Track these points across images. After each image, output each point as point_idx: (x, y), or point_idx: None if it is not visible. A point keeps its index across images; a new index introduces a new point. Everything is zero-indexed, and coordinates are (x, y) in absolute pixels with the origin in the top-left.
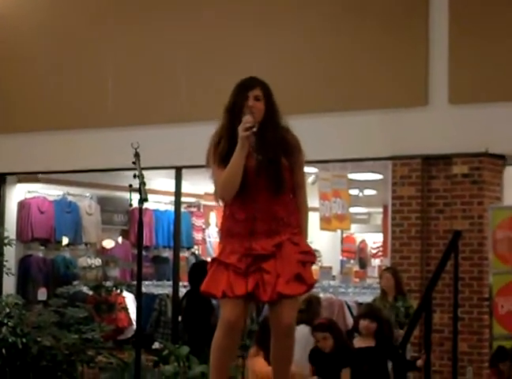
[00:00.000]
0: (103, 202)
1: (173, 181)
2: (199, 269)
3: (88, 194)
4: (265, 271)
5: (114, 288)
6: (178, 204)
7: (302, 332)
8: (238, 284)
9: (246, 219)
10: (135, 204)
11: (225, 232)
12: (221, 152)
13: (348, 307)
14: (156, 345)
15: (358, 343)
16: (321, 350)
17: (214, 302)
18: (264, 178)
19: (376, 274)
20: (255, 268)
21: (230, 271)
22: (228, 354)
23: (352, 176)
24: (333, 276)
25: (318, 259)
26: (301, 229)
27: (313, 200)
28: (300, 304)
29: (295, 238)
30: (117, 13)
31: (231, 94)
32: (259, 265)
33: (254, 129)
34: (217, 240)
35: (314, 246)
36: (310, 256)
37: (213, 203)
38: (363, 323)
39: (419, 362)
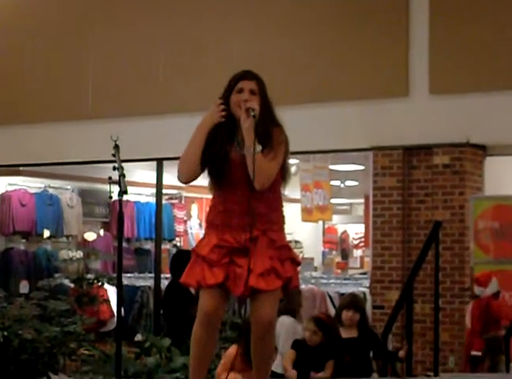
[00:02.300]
0: (84, 194)
1: (154, 173)
2: (181, 258)
3: (69, 187)
4: (237, 265)
5: (95, 281)
6: (159, 196)
7: (284, 322)
8: (210, 274)
9: (224, 210)
10: (115, 196)
11: (208, 223)
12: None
13: (330, 298)
14: (139, 337)
15: (341, 333)
16: (307, 343)
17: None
18: (246, 172)
19: (358, 264)
20: (228, 261)
21: (204, 262)
22: (207, 345)
23: (333, 167)
24: (315, 267)
25: (300, 250)
26: (282, 227)
27: (294, 192)
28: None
29: (272, 234)
30: (99, 6)
31: (226, 86)
32: (231, 258)
33: (253, 113)
34: (199, 232)
35: (295, 237)
36: (288, 252)
37: (195, 195)
38: (347, 314)
39: (401, 353)
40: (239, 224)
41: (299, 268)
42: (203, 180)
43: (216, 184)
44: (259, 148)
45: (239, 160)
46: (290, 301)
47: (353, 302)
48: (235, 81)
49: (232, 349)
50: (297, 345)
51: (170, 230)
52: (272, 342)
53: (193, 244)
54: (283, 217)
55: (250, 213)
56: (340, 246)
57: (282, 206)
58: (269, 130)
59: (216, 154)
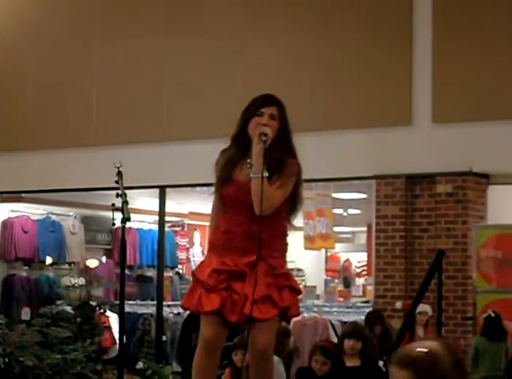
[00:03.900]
0: (86, 221)
1: (157, 201)
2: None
3: (71, 213)
4: (234, 291)
5: (97, 308)
6: (162, 223)
7: None
8: (207, 301)
9: (227, 231)
10: (118, 223)
11: (210, 245)
12: (218, 171)
13: (333, 326)
14: (140, 365)
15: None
16: (313, 371)
17: None
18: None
19: (360, 293)
20: (225, 287)
21: (202, 287)
22: (208, 372)
23: (336, 195)
24: (317, 295)
25: (302, 278)
26: (283, 254)
27: (297, 220)
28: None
29: (272, 260)
30: (101, 32)
31: (245, 108)
32: (229, 284)
33: (264, 139)
34: (201, 259)
35: (298, 265)
36: (287, 280)
37: (198, 222)
38: (349, 343)
39: None
40: (240, 247)
41: (300, 297)
42: (206, 207)
43: (221, 204)
44: (266, 173)
45: (246, 183)
46: (277, 341)
47: (355, 330)
48: (257, 106)
49: (228, 371)
50: (302, 373)
51: (172, 258)
52: (269, 369)
53: None
54: (285, 245)
55: (251, 237)
56: (343, 275)
57: (286, 235)
58: (282, 158)
59: (221, 176)
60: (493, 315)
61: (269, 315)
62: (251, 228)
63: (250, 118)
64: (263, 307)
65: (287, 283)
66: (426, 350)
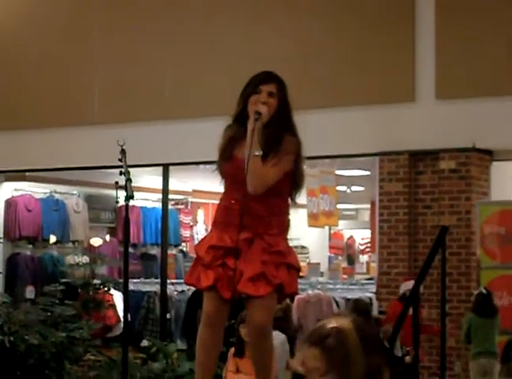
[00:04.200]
0: (90, 200)
1: (160, 179)
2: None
3: (75, 192)
4: (229, 267)
5: (101, 286)
6: (165, 201)
7: (276, 339)
8: (204, 277)
9: (226, 207)
10: (121, 201)
11: (213, 221)
12: (220, 148)
13: (336, 303)
14: (145, 342)
15: None
16: None
17: None
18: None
19: (364, 270)
20: (220, 263)
21: (201, 263)
22: (212, 347)
23: (339, 172)
24: (321, 273)
25: (306, 255)
26: (282, 231)
27: (300, 197)
28: (275, 306)
29: (269, 238)
30: (104, 11)
31: (245, 86)
32: (224, 260)
33: (256, 117)
34: None
35: (302, 243)
36: (284, 257)
37: (201, 200)
38: None
39: (408, 358)
40: (238, 224)
41: (304, 274)
42: (209, 185)
43: (222, 180)
44: (259, 152)
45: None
46: (285, 318)
47: (358, 307)
48: (255, 84)
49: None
50: None
51: (176, 236)
52: (267, 346)
53: None
54: (286, 222)
55: (249, 214)
56: (347, 252)
57: (287, 212)
58: (279, 136)
59: (222, 153)
60: (484, 292)
61: (262, 292)
62: (250, 205)
63: (250, 95)
64: (257, 284)
65: (284, 260)
66: (334, 327)
